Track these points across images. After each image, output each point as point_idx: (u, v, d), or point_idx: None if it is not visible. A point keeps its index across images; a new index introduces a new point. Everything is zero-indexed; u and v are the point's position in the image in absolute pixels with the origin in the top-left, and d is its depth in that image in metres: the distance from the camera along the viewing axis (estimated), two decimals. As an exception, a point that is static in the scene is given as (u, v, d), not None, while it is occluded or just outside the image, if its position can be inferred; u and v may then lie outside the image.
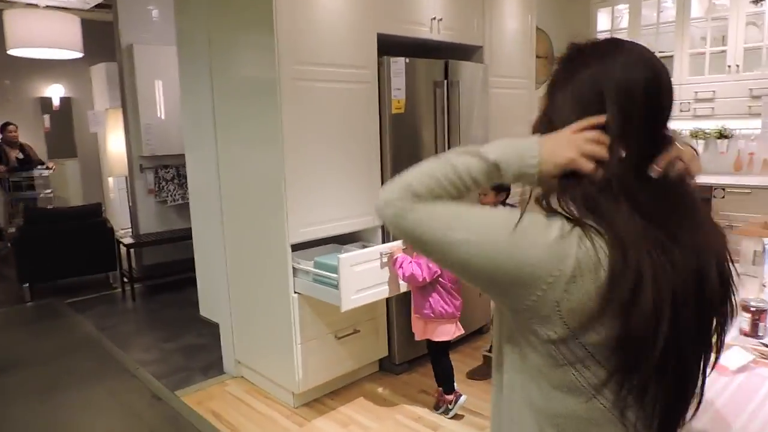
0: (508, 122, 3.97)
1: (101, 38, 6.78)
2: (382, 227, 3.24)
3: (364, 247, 3.23)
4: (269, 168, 2.84)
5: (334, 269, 2.57)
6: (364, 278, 2.61)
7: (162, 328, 4.45)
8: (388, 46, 3.19)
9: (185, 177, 5.68)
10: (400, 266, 2.70)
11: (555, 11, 5.38)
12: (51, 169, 7.08)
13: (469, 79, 3.55)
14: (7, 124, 6.87)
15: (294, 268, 2.85)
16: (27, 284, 5.11)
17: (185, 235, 5.48)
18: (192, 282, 5.65)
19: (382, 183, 3.20)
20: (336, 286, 2.56)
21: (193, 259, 3.74)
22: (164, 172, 5.61)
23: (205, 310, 3.70)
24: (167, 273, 5.50)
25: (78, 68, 8.14)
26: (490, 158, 0.86)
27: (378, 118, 3.14)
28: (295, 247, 2.87)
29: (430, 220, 0.84)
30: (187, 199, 5.95)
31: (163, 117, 5.53)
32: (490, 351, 3.39)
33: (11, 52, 5.13)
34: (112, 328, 4.49)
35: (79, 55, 5.44)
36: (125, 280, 5.32)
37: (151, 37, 5.54)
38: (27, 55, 5.40)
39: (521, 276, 0.80)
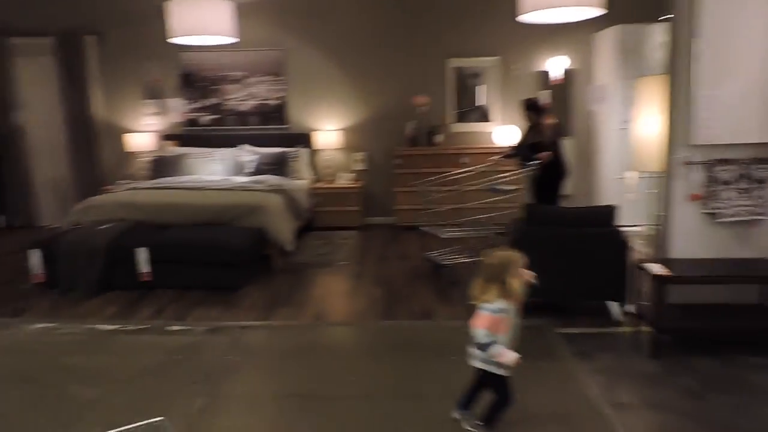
0: None
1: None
2: None
3: None
4: None
5: None
6: None
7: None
8: None
9: (757, 180, 3.66)
10: None
11: None
12: (536, 163, 5.30)
13: None
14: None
15: None
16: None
17: (743, 273, 3.51)
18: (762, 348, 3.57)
19: None
20: None
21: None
22: (720, 171, 3.68)
23: None
24: (708, 326, 3.62)
25: (579, 35, 6.90)
26: None
27: None
28: None
29: None
30: (759, 214, 3.65)
31: (735, 89, 3.57)
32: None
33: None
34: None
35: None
36: (639, 320, 3.71)
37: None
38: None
39: None
